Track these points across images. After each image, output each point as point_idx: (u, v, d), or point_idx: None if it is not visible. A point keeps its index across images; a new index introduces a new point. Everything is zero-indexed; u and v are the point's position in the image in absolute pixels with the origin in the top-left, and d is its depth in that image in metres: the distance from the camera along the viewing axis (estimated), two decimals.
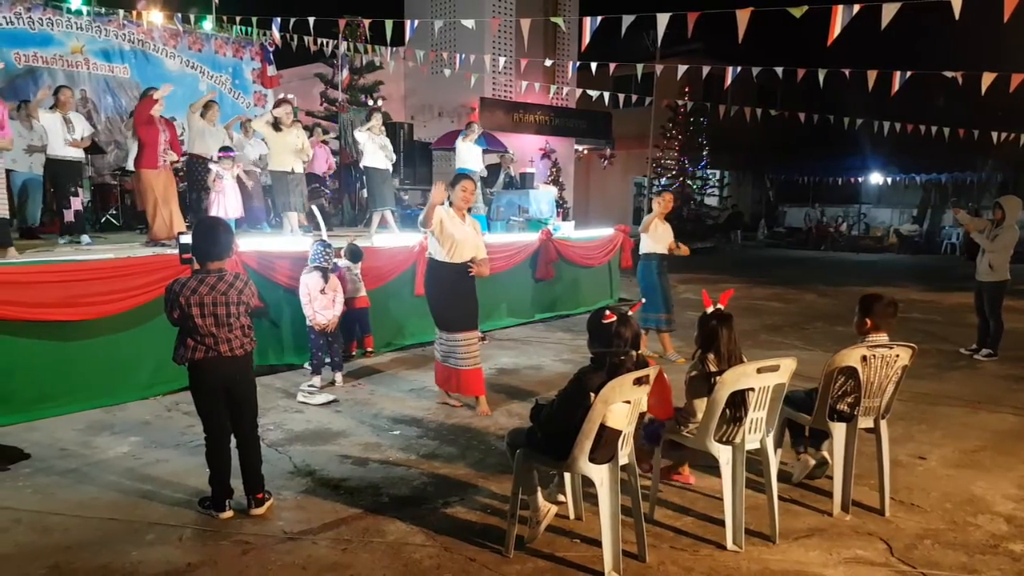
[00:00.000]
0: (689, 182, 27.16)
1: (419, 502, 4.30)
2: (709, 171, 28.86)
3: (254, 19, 11.71)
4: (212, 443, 4.09)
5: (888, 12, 6.33)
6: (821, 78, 10.25)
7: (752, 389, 3.65)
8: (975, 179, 26.22)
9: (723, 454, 3.71)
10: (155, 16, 12.23)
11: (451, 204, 5.98)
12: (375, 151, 9.87)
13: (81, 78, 11.50)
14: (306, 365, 7.24)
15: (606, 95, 14.26)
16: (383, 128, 10.26)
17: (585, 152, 27.23)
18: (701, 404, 3.78)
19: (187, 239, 4.21)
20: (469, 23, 10.48)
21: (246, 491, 4.14)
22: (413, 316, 8.72)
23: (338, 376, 6.94)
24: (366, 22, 10.72)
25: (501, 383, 7.05)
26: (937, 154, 23.39)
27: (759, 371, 3.63)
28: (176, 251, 6.73)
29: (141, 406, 6.14)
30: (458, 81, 17.00)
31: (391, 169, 10.31)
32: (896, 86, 9.39)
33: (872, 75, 9.25)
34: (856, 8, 6.33)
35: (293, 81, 19.11)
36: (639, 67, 11.14)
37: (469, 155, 11.02)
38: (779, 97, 27.63)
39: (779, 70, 10.63)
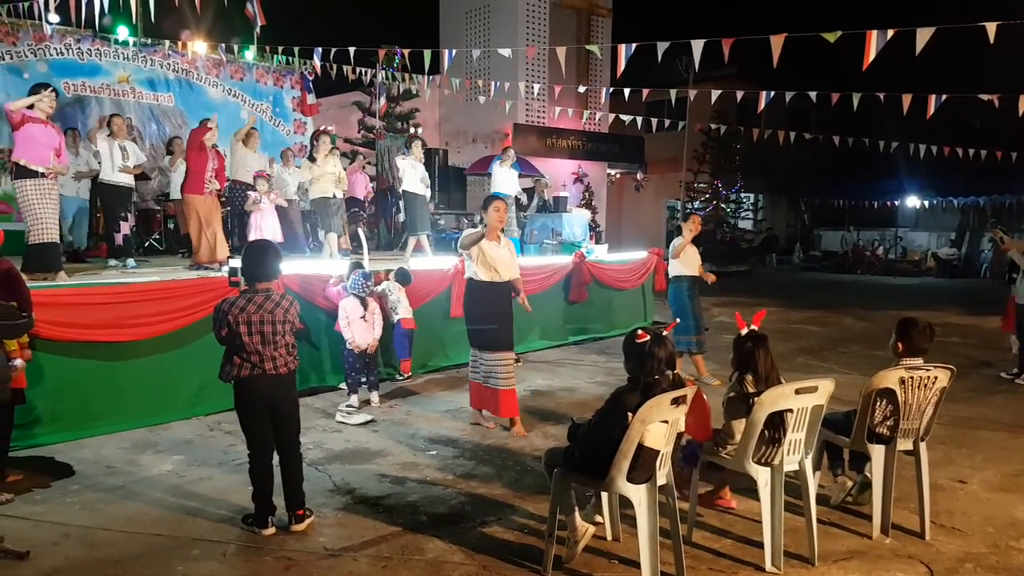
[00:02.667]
0: (723, 205, 27.06)
1: (457, 521, 4.35)
2: (743, 194, 28.73)
3: (296, 49, 11.99)
4: (255, 460, 4.18)
5: (923, 37, 6.32)
6: (855, 102, 10.20)
7: (790, 410, 3.66)
8: (1014, 201, 25.78)
9: (762, 476, 3.71)
10: (199, 46, 12.57)
11: (485, 226, 6.09)
12: (414, 177, 10.06)
13: (127, 106, 11.87)
14: (342, 385, 7.36)
15: (639, 120, 14.35)
16: (422, 156, 10.45)
17: (617, 176, 27.28)
18: (739, 425, 3.79)
19: (236, 263, 4.34)
20: (506, 52, 10.63)
21: (287, 508, 4.22)
22: (448, 338, 8.82)
23: (374, 396, 7.04)
24: (405, 52, 10.92)
25: (535, 405, 7.08)
26: (975, 176, 23.07)
27: (797, 392, 3.64)
28: (220, 274, 6.95)
29: (184, 425, 6.28)
30: (492, 107, 17.19)
31: (429, 195, 10.48)
32: (932, 109, 9.32)
33: (907, 99, 9.19)
34: (890, 33, 6.33)
35: (331, 109, 19.46)
36: (673, 92, 11.20)
37: (504, 179, 11.16)
38: (813, 120, 27.50)
39: (813, 94, 10.61)
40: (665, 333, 3.45)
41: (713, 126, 18.85)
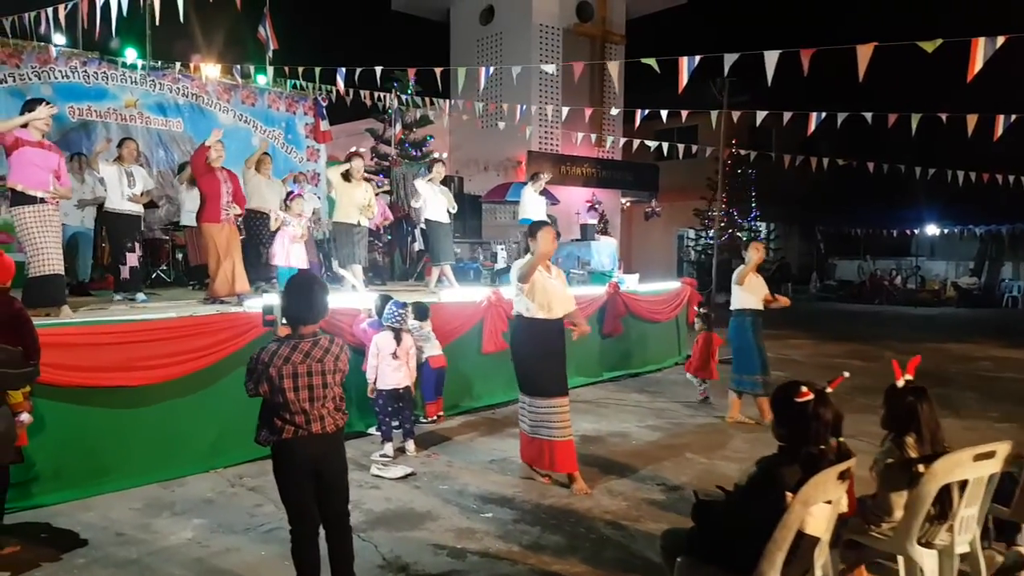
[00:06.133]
0: (739, 234, 26.51)
1: None
2: (757, 223, 28.23)
3: (317, 70, 11.39)
4: (300, 537, 3.49)
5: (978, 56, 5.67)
6: (890, 123, 9.61)
7: (964, 481, 3.00)
8: None
9: (928, 562, 3.03)
10: (210, 70, 12.01)
11: (533, 255, 5.45)
12: (437, 203, 9.45)
13: (135, 132, 11.23)
14: (371, 431, 6.70)
15: (664, 146, 13.84)
16: (442, 176, 9.87)
17: (628, 205, 26.77)
18: (899, 499, 3.10)
19: (272, 300, 3.69)
20: (550, 68, 10.03)
21: None
22: (481, 377, 8.18)
23: (410, 444, 6.36)
24: (437, 70, 10.30)
25: (589, 453, 6.33)
26: (994, 204, 22.60)
27: (976, 459, 2.98)
28: (239, 309, 6.28)
29: (202, 481, 5.59)
30: (504, 135, 16.76)
31: (451, 222, 9.88)
32: (970, 129, 8.70)
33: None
34: (1000, 40, 5.68)
35: (341, 137, 18.89)
36: (713, 114, 10.62)
37: (534, 205, 10.53)
38: (824, 147, 27.05)
39: (841, 116, 10.01)
40: (830, 390, 2.78)
41: (742, 151, 18.20)
